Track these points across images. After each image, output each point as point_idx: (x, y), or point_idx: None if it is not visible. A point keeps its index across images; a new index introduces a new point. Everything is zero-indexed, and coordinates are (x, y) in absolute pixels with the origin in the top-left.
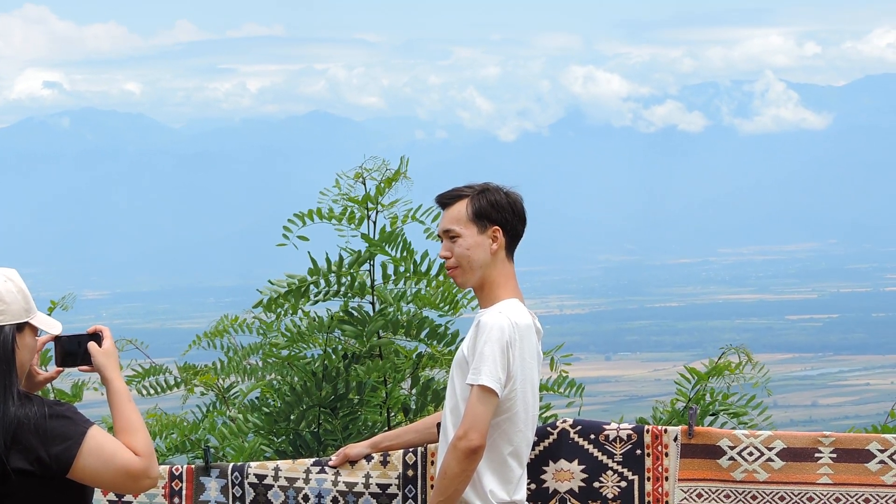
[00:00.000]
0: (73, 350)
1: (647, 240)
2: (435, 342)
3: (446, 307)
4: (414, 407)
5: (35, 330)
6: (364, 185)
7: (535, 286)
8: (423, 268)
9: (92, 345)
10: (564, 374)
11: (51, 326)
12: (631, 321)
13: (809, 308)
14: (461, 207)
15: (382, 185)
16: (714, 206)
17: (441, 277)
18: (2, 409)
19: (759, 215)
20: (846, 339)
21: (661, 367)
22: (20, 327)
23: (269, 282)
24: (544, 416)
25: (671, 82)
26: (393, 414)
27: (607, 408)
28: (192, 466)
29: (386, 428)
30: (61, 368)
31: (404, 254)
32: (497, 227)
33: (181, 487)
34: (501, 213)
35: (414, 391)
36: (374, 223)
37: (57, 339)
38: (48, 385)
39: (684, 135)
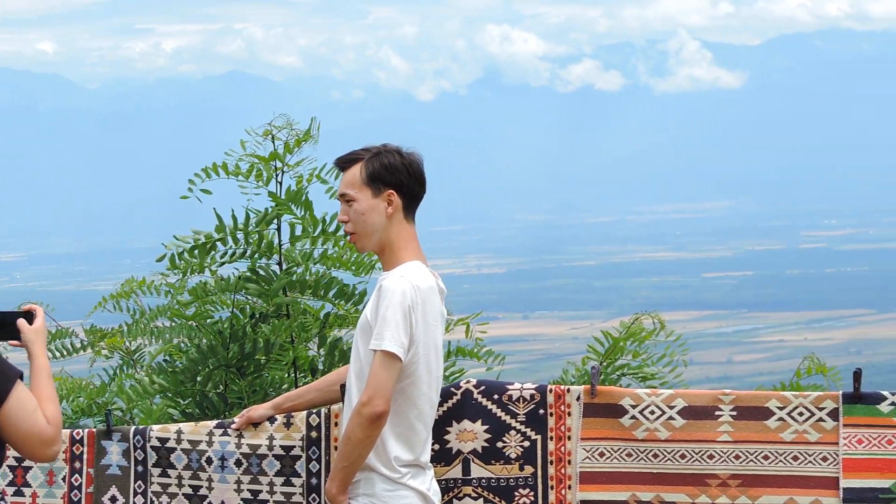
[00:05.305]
0: (4, 324)
1: (564, 199)
2: (343, 302)
3: (358, 268)
4: (322, 367)
5: None
6: (273, 142)
7: (453, 245)
8: (332, 228)
9: (22, 322)
10: (480, 341)
11: None
12: (549, 280)
13: (725, 266)
14: (356, 171)
15: (291, 144)
16: (631, 164)
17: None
18: None
19: (675, 174)
20: (761, 296)
21: (579, 326)
22: None
23: (175, 237)
24: (452, 375)
25: (587, 41)
26: (301, 374)
27: (525, 366)
28: (94, 430)
29: (293, 388)
30: None
31: (308, 214)
32: (391, 190)
33: (82, 451)
34: (396, 175)
35: (322, 351)
36: (281, 183)
37: None
38: None
39: (601, 94)
